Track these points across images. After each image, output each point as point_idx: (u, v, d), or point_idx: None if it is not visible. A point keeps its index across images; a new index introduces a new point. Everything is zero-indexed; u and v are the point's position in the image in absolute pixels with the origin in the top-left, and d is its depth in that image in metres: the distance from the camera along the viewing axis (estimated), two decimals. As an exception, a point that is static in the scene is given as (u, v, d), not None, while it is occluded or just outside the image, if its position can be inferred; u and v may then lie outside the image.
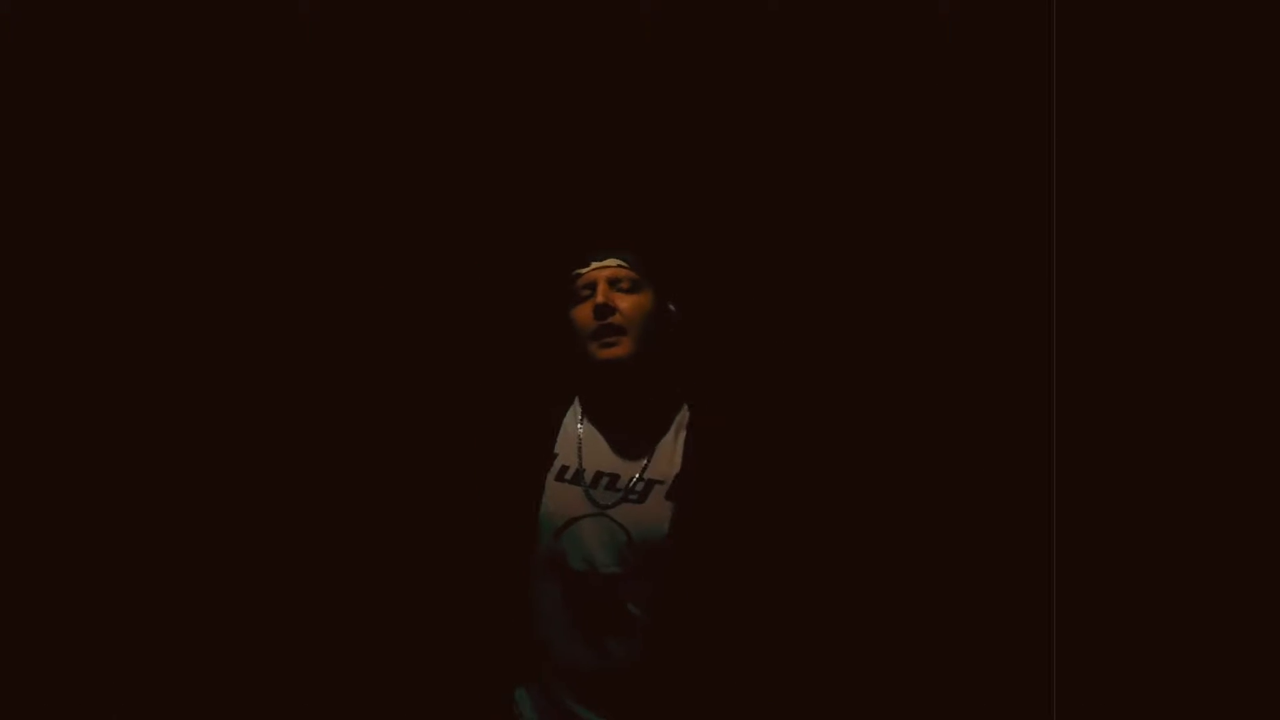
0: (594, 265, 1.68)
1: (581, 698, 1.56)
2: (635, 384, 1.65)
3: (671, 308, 1.73)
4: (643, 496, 1.60)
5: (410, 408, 2.02)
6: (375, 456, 2.00)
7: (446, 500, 1.83)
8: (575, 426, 1.69)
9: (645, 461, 1.64)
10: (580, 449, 1.67)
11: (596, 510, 1.60)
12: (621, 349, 1.61)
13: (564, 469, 1.65)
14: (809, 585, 1.83)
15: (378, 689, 1.97)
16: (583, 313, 1.64)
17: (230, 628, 1.96)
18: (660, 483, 1.61)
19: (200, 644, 1.96)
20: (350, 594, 1.97)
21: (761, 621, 1.65)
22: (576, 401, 1.73)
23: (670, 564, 1.57)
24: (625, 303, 1.63)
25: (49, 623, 1.93)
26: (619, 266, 1.66)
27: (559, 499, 1.62)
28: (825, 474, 1.93)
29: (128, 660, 1.95)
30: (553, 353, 1.74)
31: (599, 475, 1.63)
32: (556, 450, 1.67)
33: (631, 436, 1.66)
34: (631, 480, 1.62)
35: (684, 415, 1.70)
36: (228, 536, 1.97)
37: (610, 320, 1.62)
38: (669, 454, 1.65)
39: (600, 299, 1.62)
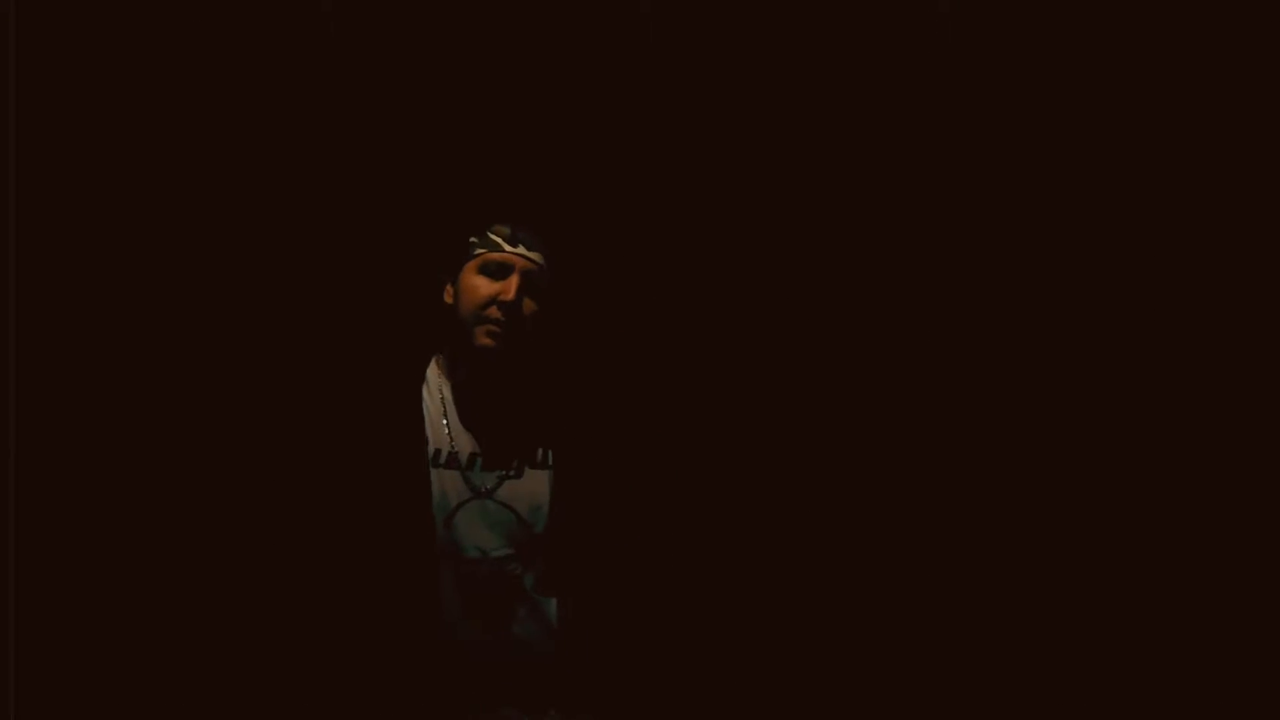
0: (521, 249, 1.57)
1: (494, 690, 1.50)
2: (501, 367, 1.56)
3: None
4: (520, 471, 1.55)
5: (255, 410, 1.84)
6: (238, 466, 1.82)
7: (324, 507, 1.60)
8: (438, 405, 1.59)
9: (512, 436, 1.57)
10: (448, 429, 1.57)
11: (477, 494, 1.53)
12: (502, 344, 1.52)
13: (437, 453, 1.55)
14: (696, 544, 1.80)
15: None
16: (482, 290, 1.54)
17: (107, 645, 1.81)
18: (532, 455, 1.58)
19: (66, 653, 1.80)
20: (242, 623, 1.79)
21: (658, 582, 1.63)
22: (429, 376, 1.62)
23: (557, 534, 1.53)
24: (529, 305, 1.54)
25: None
26: (540, 264, 1.57)
27: (441, 485, 1.53)
28: (688, 436, 1.89)
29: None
30: (385, 326, 1.66)
31: (472, 456, 1.55)
32: (427, 434, 1.56)
33: (494, 411, 1.58)
34: (504, 457, 1.56)
35: (539, 389, 1.63)
36: (94, 561, 1.82)
37: (511, 318, 1.52)
38: (531, 425, 1.59)
39: (513, 295, 1.52)
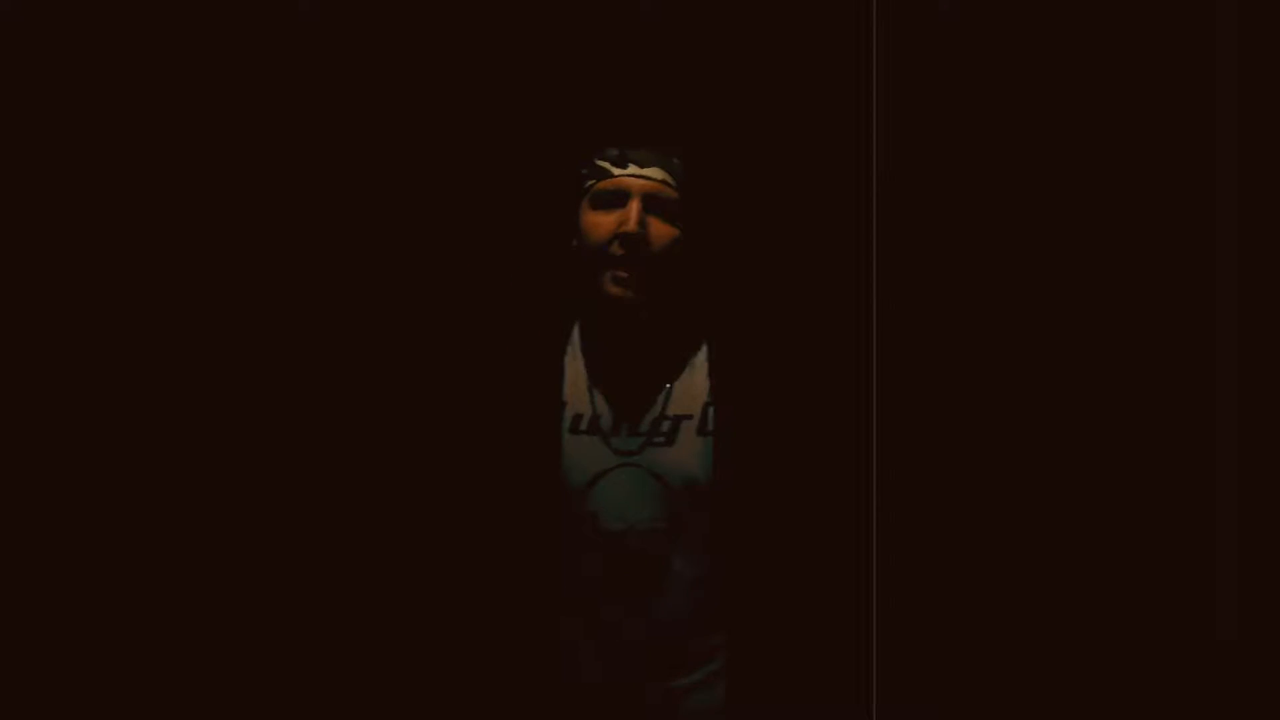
0: (632, 170, 1.34)
1: (629, 665, 1.38)
2: (646, 316, 1.37)
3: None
4: (671, 437, 1.37)
5: (381, 366, 1.76)
6: (360, 432, 1.76)
7: (448, 473, 1.53)
8: (580, 364, 1.42)
9: (664, 396, 1.39)
10: (591, 391, 1.40)
11: (622, 460, 1.36)
12: (639, 291, 1.32)
13: (577, 418, 1.39)
14: (867, 526, 1.55)
15: (390, 684, 1.82)
16: (601, 227, 1.33)
17: (238, 608, 1.86)
18: (688, 418, 1.38)
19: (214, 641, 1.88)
20: (349, 588, 1.79)
21: (818, 569, 1.41)
22: (576, 333, 1.45)
23: (714, 509, 1.35)
24: (660, 233, 1.33)
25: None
26: (664, 182, 1.34)
27: (578, 453, 1.37)
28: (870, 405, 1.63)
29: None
30: (534, 272, 1.50)
31: (617, 419, 1.38)
32: (565, 398, 1.40)
33: (644, 368, 1.40)
34: (654, 419, 1.38)
35: (703, 350, 1.43)
36: (236, 515, 1.88)
37: (637, 253, 1.31)
38: (689, 384, 1.39)
39: (632, 225, 1.30)
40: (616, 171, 1.34)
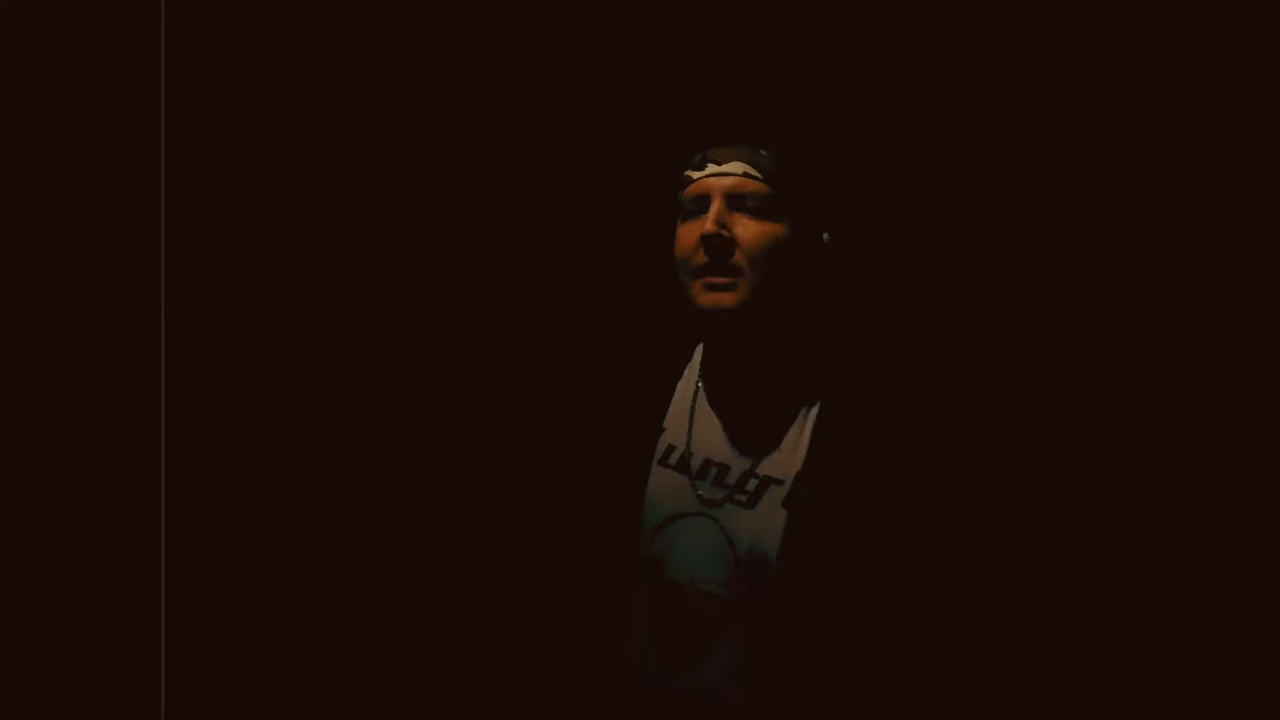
0: (710, 170, 1.21)
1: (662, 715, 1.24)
2: (756, 343, 1.23)
3: (825, 237, 1.27)
4: (754, 499, 1.21)
5: (488, 367, 1.74)
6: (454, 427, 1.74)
7: (533, 486, 1.46)
8: (690, 395, 1.29)
9: (761, 451, 1.23)
10: (691, 426, 1.27)
11: (700, 509, 1.23)
12: (731, 297, 1.17)
13: (669, 450, 1.26)
14: (949, 637, 1.27)
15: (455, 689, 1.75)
16: (686, 237, 1.21)
17: (318, 611, 1.86)
18: (779, 483, 1.21)
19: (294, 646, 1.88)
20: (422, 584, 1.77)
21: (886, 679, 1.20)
22: (694, 361, 1.32)
23: (776, 592, 1.17)
24: (748, 231, 1.18)
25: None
26: (746, 175, 1.20)
27: (662, 488, 1.25)
28: (995, 485, 1.36)
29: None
30: (664, 293, 1.32)
31: (708, 463, 1.24)
32: (665, 424, 1.28)
33: (750, 413, 1.25)
34: (744, 473, 1.22)
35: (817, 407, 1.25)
36: (317, 511, 1.88)
37: (722, 257, 1.17)
38: (794, 443, 1.22)
39: (711, 225, 1.16)
40: (696, 176, 1.22)
